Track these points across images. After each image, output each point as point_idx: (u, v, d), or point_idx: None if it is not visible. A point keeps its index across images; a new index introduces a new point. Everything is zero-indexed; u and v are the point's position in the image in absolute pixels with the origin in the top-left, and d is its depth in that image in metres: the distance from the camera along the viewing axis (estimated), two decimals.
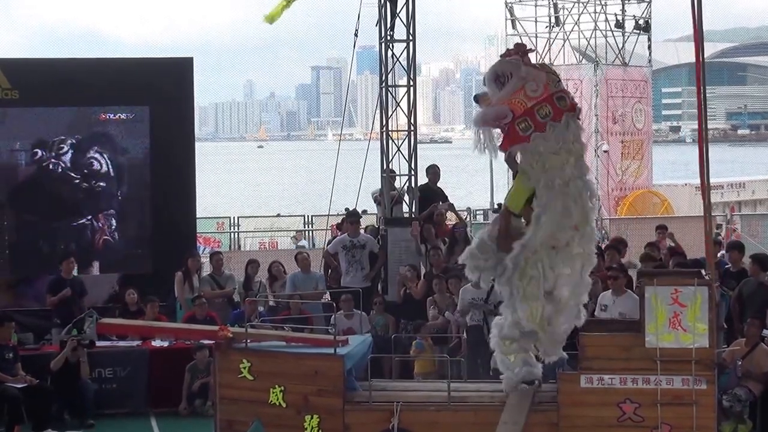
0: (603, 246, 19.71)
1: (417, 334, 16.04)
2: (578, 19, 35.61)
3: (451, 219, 20.53)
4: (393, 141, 19.62)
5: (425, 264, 18.55)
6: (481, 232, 12.52)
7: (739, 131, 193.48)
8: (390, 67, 19.51)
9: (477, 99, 12.02)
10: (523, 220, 11.98)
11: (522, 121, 11.45)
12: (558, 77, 11.82)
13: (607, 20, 35.59)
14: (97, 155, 18.92)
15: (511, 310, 11.92)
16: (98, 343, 16.22)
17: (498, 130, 11.77)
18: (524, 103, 11.41)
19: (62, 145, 18.81)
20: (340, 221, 20.43)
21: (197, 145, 20.13)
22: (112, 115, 18.93)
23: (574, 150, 11.67)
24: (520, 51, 11.74)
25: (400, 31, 19.51)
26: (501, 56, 11.86)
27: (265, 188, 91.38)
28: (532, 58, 12.60)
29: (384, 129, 19.56)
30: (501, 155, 12.14)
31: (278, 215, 35.94)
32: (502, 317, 12.18)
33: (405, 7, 19.39)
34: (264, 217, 37.66)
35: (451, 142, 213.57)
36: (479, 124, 11.79)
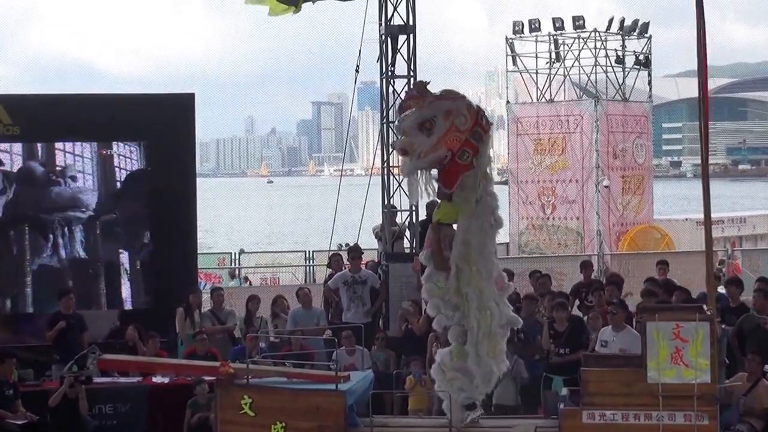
0: (603, 281, 19.73)
1: (417, 370, 16.00)
2: (579, 55, 35.67)
3: None
4: (394, 176, 19.65)
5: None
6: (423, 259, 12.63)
7: (740, 166, 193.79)
8: (391, 102, 19.58)
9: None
10: (454, 226, 12.30)
11: (462, 153, 11.85)
12: (466, 98, 12.18)
13: (607, 56, 35.66)
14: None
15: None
16: (99, 380, 16.18)
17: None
18: (459, 137, 11.81)
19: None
20: (328, 261, 20.34)
21: (198, 180, 20.13)
22: (112, 151, 18.92)
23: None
24: (420, 88, 12.12)
25: (401, 67, 19.62)
26: (404, 100, 12.35)
27: (271, 224, 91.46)
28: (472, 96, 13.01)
29: (385, 165, 19.60)
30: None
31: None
32: (446, 349, 12.55)
33: (406, 43, 19.49)
34: (265, 252, 37.71)
35: None
36: (420, 168, 12.02)
